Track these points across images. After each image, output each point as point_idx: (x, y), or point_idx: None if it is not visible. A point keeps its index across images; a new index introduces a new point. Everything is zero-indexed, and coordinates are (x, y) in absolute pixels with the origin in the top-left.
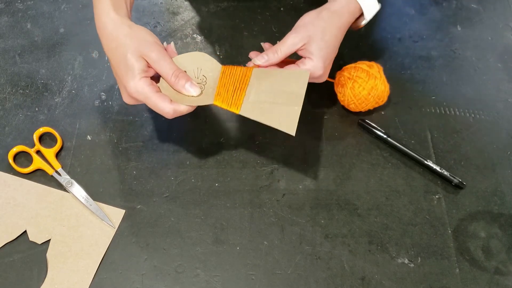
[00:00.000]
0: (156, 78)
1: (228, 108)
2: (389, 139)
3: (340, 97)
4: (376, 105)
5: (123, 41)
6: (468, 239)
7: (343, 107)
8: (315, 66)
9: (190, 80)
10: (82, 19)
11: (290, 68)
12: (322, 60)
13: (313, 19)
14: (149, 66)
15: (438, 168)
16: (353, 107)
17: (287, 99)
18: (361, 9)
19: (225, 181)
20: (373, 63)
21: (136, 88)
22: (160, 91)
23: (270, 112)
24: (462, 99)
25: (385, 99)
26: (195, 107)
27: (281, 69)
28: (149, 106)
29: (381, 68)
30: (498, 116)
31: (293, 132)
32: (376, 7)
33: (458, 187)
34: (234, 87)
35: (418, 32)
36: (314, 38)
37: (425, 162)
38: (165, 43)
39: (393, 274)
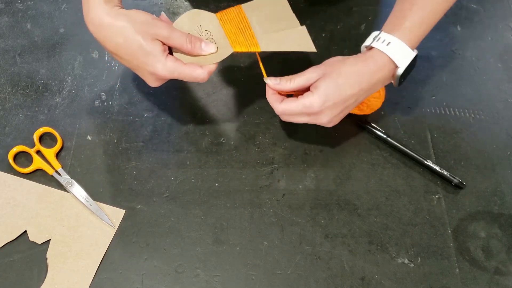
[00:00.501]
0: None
1: (249, 50)
2: (389, 139)
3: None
4: (371, 111)
5: (128, 32)
6: (468, 239)
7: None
8: (312, 100)
9: (202, 40)
10: (82, 19)
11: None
12: (322, 97)
13: (337, 61)
14: (163, 44)
15: (438, 168)
16: (376, 105)
17: (286, 23)
18: (390, 59)
19: (225, 181)
20: None
21: (167, 68)
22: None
23: (284, 39)
24: (462, 99)
25: (379, 104)
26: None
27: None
28: (183, 79)
29: None
30: (498, 116)
31: (314, 49)
32: (411, 54)
33: (458, 187)
34: (240, 29)
35: None
36: (327, 76)
37: (425, 162)
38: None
39: (393, 274)
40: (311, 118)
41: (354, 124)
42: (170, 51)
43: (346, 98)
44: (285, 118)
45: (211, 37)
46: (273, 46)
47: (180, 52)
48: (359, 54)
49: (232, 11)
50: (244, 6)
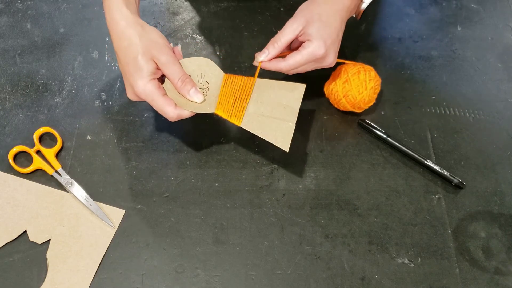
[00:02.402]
0: (161, 78)
1: (229, 119)
2: (389, 139)
3: (347, 100)
4: (370, 103)
5: (135, 41)
6: (468, 239)
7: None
8: (316, 46)
9: (195, 86)
10: (82, 19)
11: (287, 83)
12: (322, 39)
13: (308, 5)
14: (157, 68)
15: (438, 168)
16: (364, 102)
17: (283, 113)
18: None
19: (225, 181)
20: (353, 62)
21: (144, 89)
22: (167, 94)
23: (267, 126)
24: (462, 99)
25: (374, 97)
26: (195, 113)
27: (280, 81)
28: (154, 107)
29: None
30: (498, 116)
31: (286, 149)
32: None
33: (458, 187)
34: (235, 98)
35: (418, 32)
36: (311, 20)
37: (425, 162)
38: (171, 44)
39: (393, 274)
40: (318, 63)
41: (354, 124)
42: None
43: (337, 32)
44: (292, 72)
45: (207, 89)
46: (252, 127)
47: (170, 85)
48: None
49: (240, 80)
50: (260, 80)
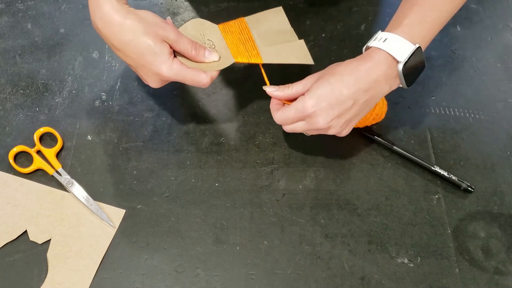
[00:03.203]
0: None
1: (250, 61)
2: (394, 147)
3: None
4: (374, 122)
5: (139, 30)
6: (468, 239)
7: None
8: (305, 101)
9: (206, 48)
10: (83, 19)
11: (267, 11)
12: (313, 98)
13: (334, 64)
14: (170, 46)
15: (445, 173)
16: (371, 121)
17: (284, 37)
18: (388, 54)
19: (225, 181)
20: None
21: (172, 70)
22: (189, 67)
23: (283, 52)
24: (462, 99)
25: (383, 115)
26: (218, 72)
27: (263, 12)
28: (186, 82)
29: None
30: (498, 116)
31: (312, 61)
32: (410, 47)
33: (467, 191)
34: (241, 41)
35: None
36: (322, 78)
37: (433, 168)
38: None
39: (393, 274)
40: (308, 123)
41: (358, 134)
42: (175, 55)
43: (342, 99)
44: (286, 128)
45: (213, 46)
46: (273, 58)
47: (183, 57)
48: (357, 56)
49: (234, 24)
50: (247, 18)
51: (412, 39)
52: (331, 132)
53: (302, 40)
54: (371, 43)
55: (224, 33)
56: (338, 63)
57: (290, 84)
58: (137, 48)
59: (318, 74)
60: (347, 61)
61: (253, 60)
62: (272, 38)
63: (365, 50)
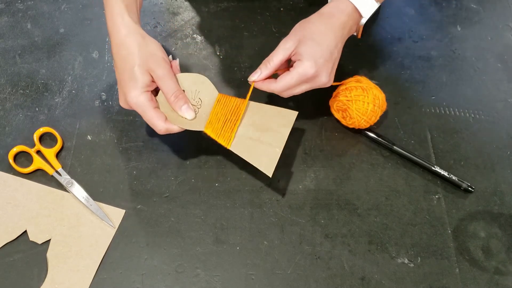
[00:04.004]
0: (155, 90)
1: (217, 139)
2: (394, 147)
3: (346, 121)
4: (381, 113)
5: (133, 51)
6: (468, 239)
7: (350, 129)
8: (306, 66)
9: (188, 103)
10: (82, 19)
11: (279, 109)
12: (312, 60)
13: (302, 24)
14: (153, 81)
15: (446, 173)
16: (364, 124)
17: (272, 138)
18: (355, 8)
19: (225, 181)
20: (357, 77)
21: (136, 100)
22: (158, 107)
23: (253, 151)
24: (462, 99)
25: (385, 104)
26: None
27: (272, 106)
28: (144, 119)
29: (366, 78)
30: (498, 116)
31: (270, 174)
32: (374, 4)
33: (467, 191)
34: (226, 119)
35: (418, 32)
36: (303, 39)
37: (433, 168)
38: (170, 57)
39: (393, 274)
40: (311, 84)
41: (359, 133)
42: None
43: (330, 50)
44: (286, 94)
45: (199, 106)
46: (239, 150)
47: (163, 99)
48: (322, 8)
49: (233, 101)
50: (252, 103)
51: None
52: (329, 84)
53: (280, 152)
54: None
55: (217, 103)
56: (306, 21)
57: (267, 59)
58: (123, 65)
59: (292, 37)
60: (316, 17)
61: (220, 141)
62: (258, 133)
63: None
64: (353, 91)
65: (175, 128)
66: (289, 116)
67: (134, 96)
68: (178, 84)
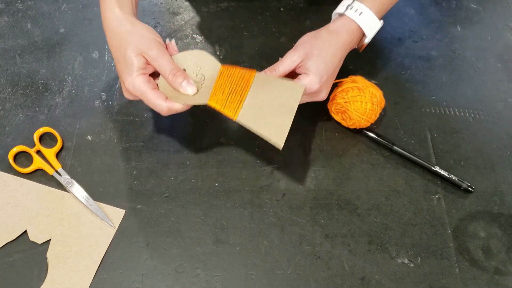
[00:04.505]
0: (156, 75)
1: (222, 111)
2: (394, 147)
3: (347, 122)
4: (380, 110)
5: (124, 38)
6: (468, 239)
7: (350, 129)
8: (311, 81)
9: (188, 78)
10: (82, 19)
11: (286, 81)
12: (318, 76)
13: (311, 38)
14: (148, 63)
15: (446, 173)
16: (365, 124)
17: (280, 110)
18: (359, 27)
19: (225, 181)
20: (352, 77)
21: (133, 84)
22: (157, 88)
23: (262, 121)
24: (462, 99)
25: (384, 101)
26: (190, 106)
27: (280, 78)
28: (144, 102)
29: (361, 77)
30: (498, 116)
31: (281, 145)
32: (378, 24)
33: (467, 191)
34: (231, 90)
35: (418, 32)
36: (311, 55)
37: (433, 168)
38: (167, 40)
39: (393, 274)
40: (311, 97)
41: (359, 133)
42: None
43: (334, 70)
44: None
45: (202, 82)
46: (247, 120)
47: (164, 81)
48: (329, 25)
49: (238, 72)
50: (259, 74)
51: (378, 13)
52: (324, 99)
53: (290, 123)
54: (348, 12)
55: (221, 75)
56: (314, 35)
57: (273, 66)
58: (117, 53)
59: (300, 50)
60: (324, 33)
61: (225, 111)
62: (266, 105)
63: (339, 15)
64: (350, 92)
65: (177, 106)
66: (296, 89)
67: (130, 81)
68: (174, 62)
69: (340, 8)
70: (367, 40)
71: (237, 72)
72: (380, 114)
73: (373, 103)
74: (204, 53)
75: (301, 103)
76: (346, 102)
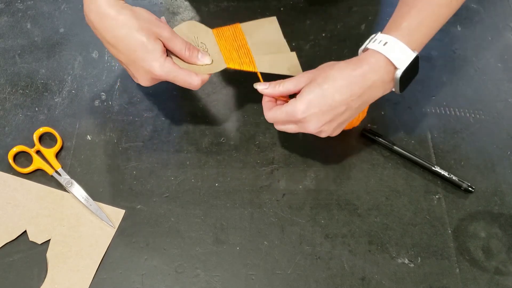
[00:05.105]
0: None
1: (242, 68)
2: (395, 147)
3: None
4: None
5: (134, 26)
6: (468, 239)
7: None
8: (294, 106)
9: (200, 50)
10: (82, 19)
11: (261, 20)
12: (304, 104)
13: (328, 65)
14: (163, 45)
15: (446, 174)
16: (355, 122)
17: (277, 47)
18: (388, 61)
19: (225, 181)
20: None
21: (164, 69)
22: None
23: (276, 63)
24: (462, 99)
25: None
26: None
27: (256, 20)
28: (177, 83)
29: None
30: (498, 116)
31: (300, 72)
32: (411, 55)
33: (467, 191)
34: (234, 47)
35: None
36: (313, 81)
37: (433, 168)
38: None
39: (393, 274)
40: (298, 126)
41: (359, 133)
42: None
43: (335, 105)
44: (277, 127)
45: (206, 49)
46: (265, 67)
47: (176, 57)
48: (353, 58)
49: (228, 29)
50: (242, 25)
51: (410, 44)
52: (322, 135)
53: (294, 53)
54: (370, 45)
55: (218, 38)
56: (332, 63)
57: (281, 80)
58: (130, 44)
59: (311, 73)
60: (342, 63)
61: (245, 68)
62: (266, 47)
63: (363, 51)
64: None
65: (206, 77)
66: (272, 22)
67: (160, 67)
68: (184, 39)
69: (365, 44)
70: (398, 72)
71: (227, 30)
72: (380, 114)
73: None
74: (194, 23)
75: (294, 132)
76: None
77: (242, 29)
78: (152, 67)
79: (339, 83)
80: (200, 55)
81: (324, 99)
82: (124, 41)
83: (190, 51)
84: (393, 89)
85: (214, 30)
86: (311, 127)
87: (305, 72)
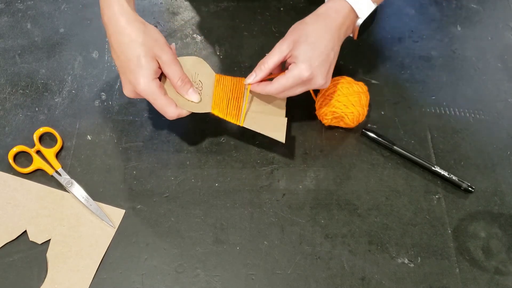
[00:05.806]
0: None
1: (225, 118)
2: (395, 147)
3: (345, 122)
4: (367, 100)
5: (137, 39)
6: (468, 239)
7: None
8: (300, 68)
9: (193, 86)
10: (82, 19)
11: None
12: (307, 62)
13: (298, 25)
14: (159, 67)
15: (446, 173)
16: (362, 112)
17: (273, 110)
18: (351, 8)
19: (225, 181)
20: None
21: (147, 87)
22: (167, 94)
23: (263, 123)
24: (462, 99)
25: (359, 83)
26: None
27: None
28: (155, 106)
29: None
30: (498, 116)
31: (283, 140)
32: (371, 5)
33: (467, 191)
34: (228, 98)
35: (418, 32)
36: (298, 42)
37: (433, 168)
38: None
39: (393, 274)
40: (307, 86)
41: (359, 133)
42: (161, 77)
43: (327, 52)
44: (281, 95)
45: (201, 88)
46: (250, 124)
47: (168, 84)
48: (317, 10)
49: (231, 81)
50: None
51: None
52: (325, 86)
53: (286, 118)
54: None
55: (217, 83)
56: (299, 22)
57: (262, 61)
58: (127, 53)
59: (288, 38)
60: (312, 18)
61: (228, 119)
62: (260, 106)
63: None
64: (334, 102)
65: (184, 112)
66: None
67: (144, 84)
68: (183, 69)
69: None
70: (359, 21)
71: (229, 80)
72: (380, 114)
73: (353, 95)
74: (201, 60)
75: (301, 92)
76: (339, 109)
77: (244, 84)
78: (137, 81)
79: (319, 33)
80: (190, 91)
81: (318, 51)
82: (123, 48)
83: (183, 83)
84: (351, 35)
85: (218, 75)
86: (319, 81)
87: (280, 41)
